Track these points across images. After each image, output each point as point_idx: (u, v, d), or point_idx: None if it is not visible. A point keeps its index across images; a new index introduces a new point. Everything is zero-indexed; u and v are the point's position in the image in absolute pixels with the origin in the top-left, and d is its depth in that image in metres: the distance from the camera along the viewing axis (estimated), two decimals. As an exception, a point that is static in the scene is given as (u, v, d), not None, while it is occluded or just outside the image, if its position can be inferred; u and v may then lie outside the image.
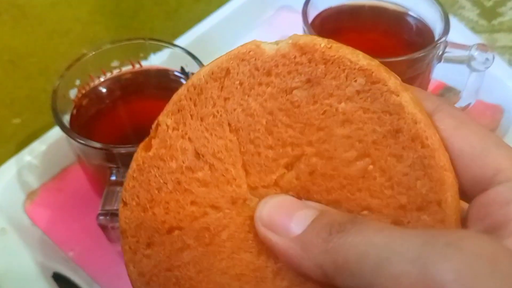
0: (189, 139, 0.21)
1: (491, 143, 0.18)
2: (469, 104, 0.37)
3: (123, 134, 0.35)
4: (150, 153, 0.21)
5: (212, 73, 0.21)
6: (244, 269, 0.20)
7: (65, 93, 0.33)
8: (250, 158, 0.21)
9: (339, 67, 0.20)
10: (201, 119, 0.21)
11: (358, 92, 0.19)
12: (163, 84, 0.36)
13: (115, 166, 0.30)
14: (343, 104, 0.19)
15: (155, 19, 0.56)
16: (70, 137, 0.30)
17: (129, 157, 0.29)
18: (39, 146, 0.39)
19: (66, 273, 0.34)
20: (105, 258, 0.35)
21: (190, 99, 0.21)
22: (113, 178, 0.30)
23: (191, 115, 0.21)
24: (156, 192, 0.21)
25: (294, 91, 0.20)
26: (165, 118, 0.22)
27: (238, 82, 0.21)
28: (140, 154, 0.22)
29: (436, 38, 0.35)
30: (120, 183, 0.29)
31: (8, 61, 0.52)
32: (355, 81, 0.19)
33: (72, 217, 0.38)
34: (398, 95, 0.19)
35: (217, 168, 0.21)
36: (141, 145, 0.22)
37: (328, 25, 0.37)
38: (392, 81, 0.20)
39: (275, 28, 0.52)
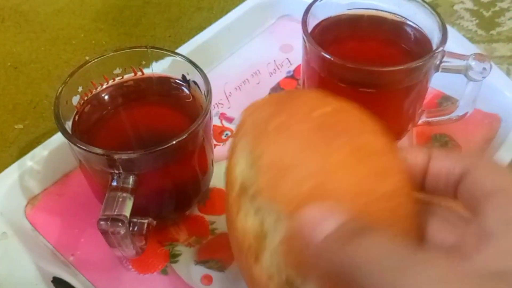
0: None
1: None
2: (466, 113, 0.38)
3: (125, 140, 0.35)
4: None
5: None
6: None
7: (67, 100, 0.33)
8: None
9: None
10: None
11: None
12: (165, 92, 0.37)
13: (116, 171, 0.30)
14: None
15: (157, 27, 0.56)
16: (72, 143, 0.30)
17: (130, 162, 0.30)
18: (41, 151, 0.39)
19: (66, 278, 0.34)
20: (106, 263, 0.36)
21: None
22: (114, 183, 0.30)
23: None
24: None
25: None
26: None
27: None
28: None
29: (434, 47, 0.35)
30: (121, 189, 0.30)
31: (11, 67, 0.52)
32: None
33: (73, 222, 0.38)
34: None
35: None
36: None
37: (327, 34, 0.38)
38: None
39: (276, 37, 0.52)
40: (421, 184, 0.23)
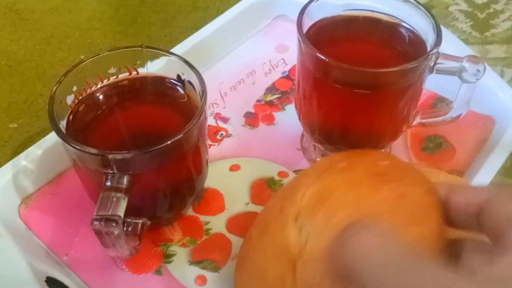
0: None
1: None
2: (460, 115, 0.38)
3: (119, 140, 0.35)
4: None
5: None
6: None
7: (62, 99, 0.33)
8: None
9: None
10: None
11: None
12: (159, 91, 0.37)
13: (110, 171, 0.30)
14: None
15: (153, 27, 0.56)
16: (66, 142, 0.30)
17: (124, 162, 0.30)
18: (35, 150, 0.39)
19: (59, 278, 0.34)
20: (100, 263, 0.36)
21: None
22: (108, 183, 0.30)
23: None
24: None
25: None
26: None
27: None
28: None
29: (428, 49, 0.35)
30: (115, 189, 0.30)
31: (5, 66, 0.52)
32: None
33: (67, 222, 0.38)
34: None
35: None
36: None
37: (322, 35, 0.38)
38: None
39: (271, 37, 0.52)
40: (447, 219, 0.24)
